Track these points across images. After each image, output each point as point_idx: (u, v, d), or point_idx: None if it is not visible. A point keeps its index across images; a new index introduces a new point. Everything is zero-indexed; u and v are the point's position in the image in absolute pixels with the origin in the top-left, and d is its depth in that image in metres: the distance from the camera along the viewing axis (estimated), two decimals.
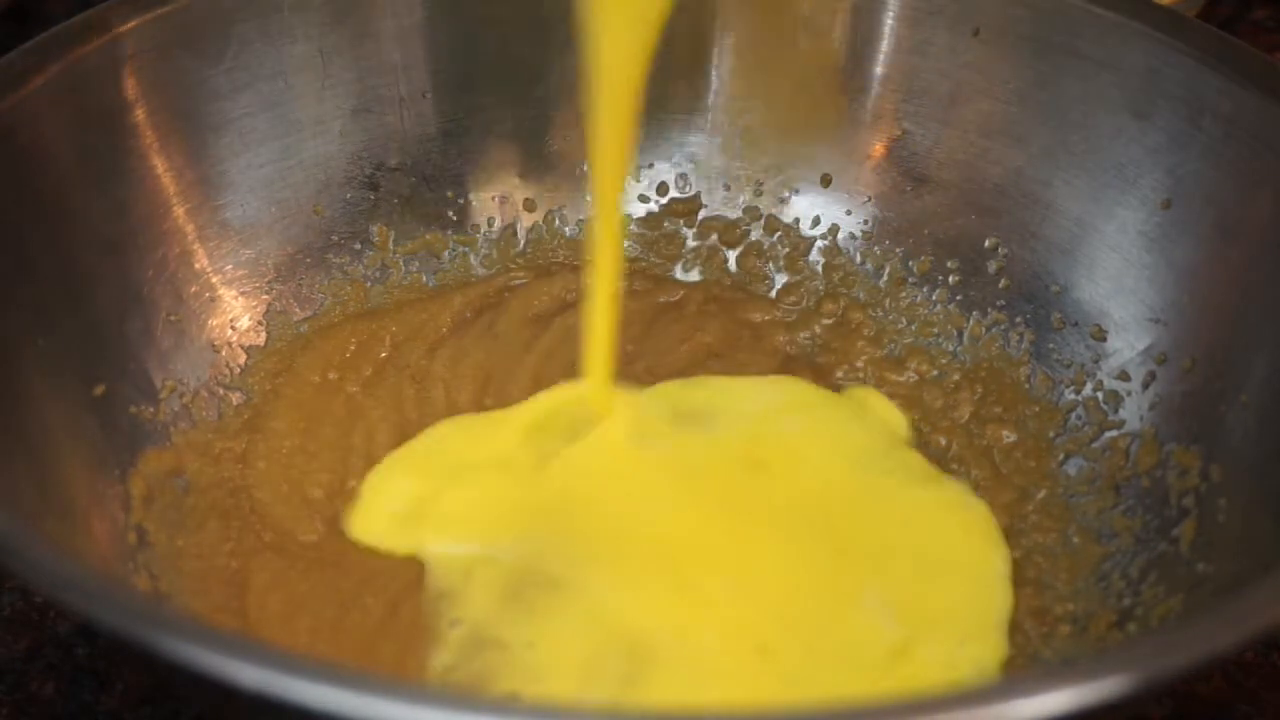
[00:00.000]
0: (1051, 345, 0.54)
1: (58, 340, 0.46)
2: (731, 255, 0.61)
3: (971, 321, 0.56)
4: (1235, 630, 0.33)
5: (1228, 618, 0.34)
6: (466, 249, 0.60)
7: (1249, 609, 0.34)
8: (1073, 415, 0.53)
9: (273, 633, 0.45)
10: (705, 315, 0.58)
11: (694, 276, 0.60)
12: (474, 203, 0.60)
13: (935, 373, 0.56)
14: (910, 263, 0.58)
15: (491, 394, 0.55)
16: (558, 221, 0.61)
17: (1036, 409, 0.54)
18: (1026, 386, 0.54)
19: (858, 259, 0.59)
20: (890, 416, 0.54)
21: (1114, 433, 0.51)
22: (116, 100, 0.51)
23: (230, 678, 0.31)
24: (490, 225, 0.60)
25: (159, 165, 0.52)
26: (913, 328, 0.57)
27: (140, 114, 0.51)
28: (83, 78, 0.49)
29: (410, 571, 0.48)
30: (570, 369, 0.55)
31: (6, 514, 0.36)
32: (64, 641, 0.48)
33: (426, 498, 0.50)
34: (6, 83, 0.47)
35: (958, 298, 0.57)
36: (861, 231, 0.59)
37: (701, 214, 0.61)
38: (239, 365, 0.54)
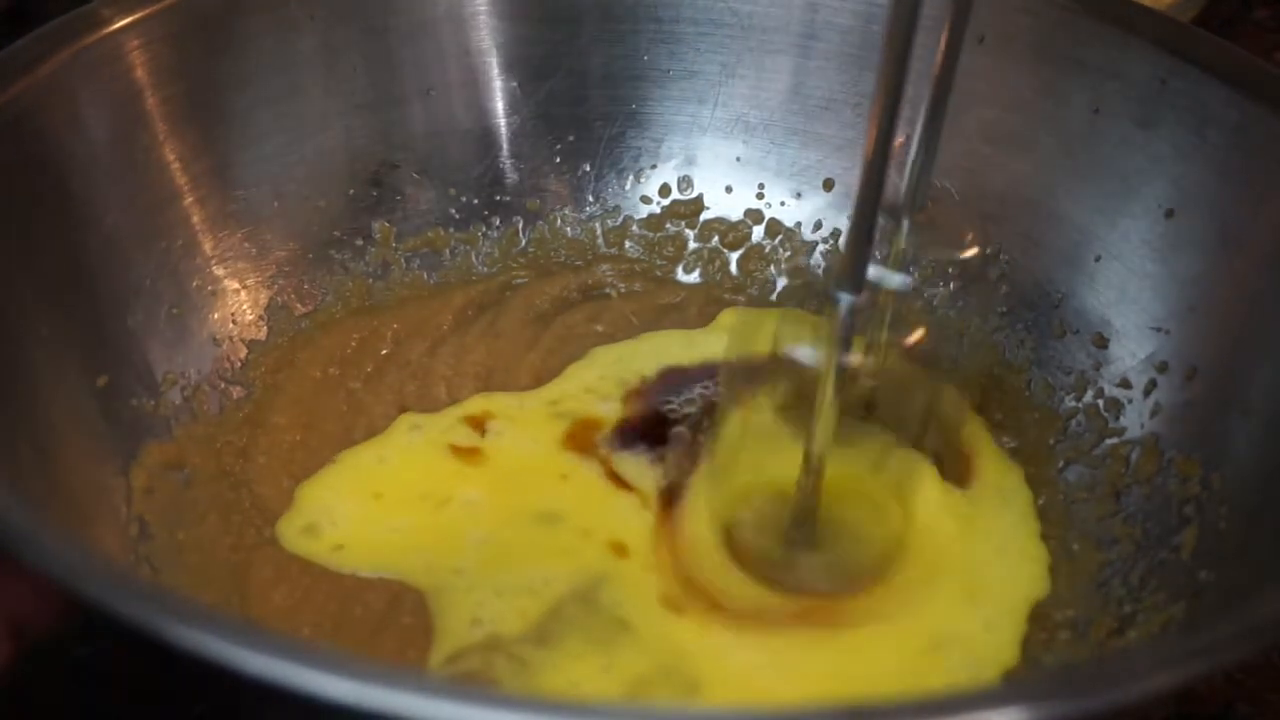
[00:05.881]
0: (1052, 352, 0.55)
1: (61, 330, 0.46)
2: (733, 258, 0.61)
3: (972, 327, 0.57)
4: (1239, 645, 0.34)
5: (1231, 631, 0.34)
6: (468, 247, 0.60)
7: (1253, 623, 0.35)
8: (1073, 422, 0.53)
9: (275, 628, 0.45)
10: (706, 317, 0.58)
11: (695, 279, 0.60)
12: (476, 201, 0.60)
13: None
14: (911, 268, 0.58)
15: (493, 392, 0.55)
16: (559, 221, 0.61)
17: (1037, 415, 0.54)
18: (1027, 393, 0.54)
19: None
20: None
21: (1114, 440, 0.51)
22: (123, 91, 0.50)
23: (237, 665, 0.30)
24: (492, 224, 0.60)
25: (165, 156, 0.52)
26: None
27: (147, 104, 0.51)
28: (90, 68, 0.49)
29: None
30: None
31: (18, 503, 0.35)
32: (64, 642, 0.47)
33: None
34: (13, 71, 0.47)
35: (959, 304, 0.57)
36: None
37: (703, 216, 0.61)
38: (240, 359, 0.54)
